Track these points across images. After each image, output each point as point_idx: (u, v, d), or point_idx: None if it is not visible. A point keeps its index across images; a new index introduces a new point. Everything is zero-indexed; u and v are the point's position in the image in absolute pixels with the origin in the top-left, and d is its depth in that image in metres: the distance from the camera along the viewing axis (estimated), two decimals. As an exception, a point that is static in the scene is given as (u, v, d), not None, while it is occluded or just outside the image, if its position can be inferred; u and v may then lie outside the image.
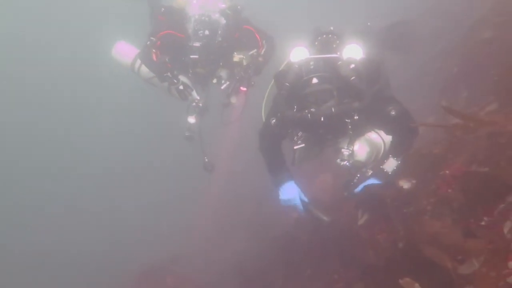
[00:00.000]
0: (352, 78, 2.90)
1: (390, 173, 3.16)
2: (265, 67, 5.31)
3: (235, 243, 6.69)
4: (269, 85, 3.87)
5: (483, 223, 2.72)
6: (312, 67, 2.98)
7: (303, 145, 3.27)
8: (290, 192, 3.25)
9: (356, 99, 2.93)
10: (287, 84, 3.04)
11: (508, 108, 3.26)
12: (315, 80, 2.95)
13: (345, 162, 3.14)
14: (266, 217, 6.89)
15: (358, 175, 3.20)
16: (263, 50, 5.19)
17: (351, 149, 3.14)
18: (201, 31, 5.00)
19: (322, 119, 2.94)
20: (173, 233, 7.75)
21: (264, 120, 3.55)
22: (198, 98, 5.21)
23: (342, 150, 3.15)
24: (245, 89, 5.37)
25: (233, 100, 5.38)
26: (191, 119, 5.21)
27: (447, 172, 3.35)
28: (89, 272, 7.81)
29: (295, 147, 3.27)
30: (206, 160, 5.36)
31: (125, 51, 5.45)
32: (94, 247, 8.59)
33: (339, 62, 3.00)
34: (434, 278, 2.58)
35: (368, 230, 3.45)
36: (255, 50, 5.20)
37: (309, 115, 2.93)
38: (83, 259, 8.34)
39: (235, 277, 5.54)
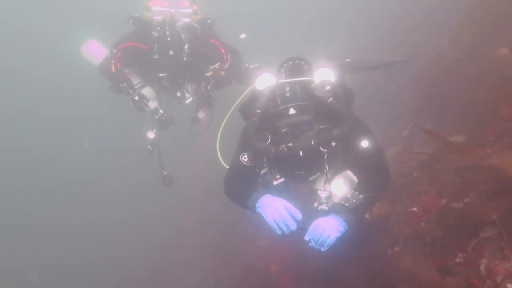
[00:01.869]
0: (330, 99, 2.65)
1: (350, 207, 2.59)
2: (228, 83, 5.23)
3: (202, 271, 6.51)
4: (223, 121, 3.73)
5: (458, 259, 2.74)
6: (288, 94, 2.65)
7: (282, 179, 2.89)
8: (273, 204, 2.56)
9: (335, 123, 2.70)
10: (259, 111, 2.73)
11: (476, 140, 3.33)
12: (292, 111, 2.63)
13: (323, 206, 2.72)
14: (231, 245, 6.77)
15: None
16: (227, 64, 5.11)
17: (328, 190, 2.78)
18: (165, 51, 4.92)
19: (301, 153, 2.70)
20: (140, 260, 7.49)
21: (232, 158, 3.07)
22: (162, 111, 5.15)
23: (318, 192, 2.79)
24: (206, 108, 5.32)
25: (200, 115, 5.33)
26: (150, 134, 5.12)
27: (416, 206, 3.41)
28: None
29: (275, 183, 2.87)
30: (165, 173, 5.25)
31: (94, 52, 5.30)
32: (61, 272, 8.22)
33: (313, 85, 2.73)
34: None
35: (341, 264, 3.41)
36: (218, 64, 5.12)
37: (286, 149, 2.66)
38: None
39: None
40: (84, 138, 12.74)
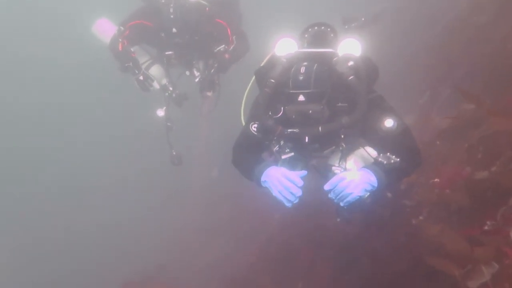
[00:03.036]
0: (350, 77, 2.45)
1: (386, 166, 2.39)
2: (232, 66, 5.12)
3: (216, 249, 6.53)
4: (248, 86, 3.33)
5: (486, 227, 2.69)
6: (301, 78, 2.43)
7: (292, 154, 2.70)
8: (274, 176, 2.43)
9: (354, 103, 2.50)
10: (273, 80, 2.56)
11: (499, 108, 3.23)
12: (301, 98, 2.42)
13: None
14: (246, 221, 6.78)
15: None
16: (232, 46, 4.98)
17: (343, 166, 2.59)
18: (169, 29, 4.81)
19: (306, 139, 2.57)
20: (153, 243, 7.53)
21: (243, 126, 2.97)
22: (171, 88, 5.06)
23: (333, 168, 2.59)
24: (209, 93, 5.23)
25: (209, 93, 5.25)
26: (160, 112, 5.05)
27: (439, 177, 3.34)
28: (71, 281, 7.52)
29: (283, 157, 2.70)
30: (174, 153, 5.20)
31: (104, 30, 5.22)
32: (73, 260, 8.30)
33: (335, 58, 2.55)
34: (442, 288, 2.52)
35: (363, 236, 3.38)
36: (223, 46, 5.00)
37: (291, 134, 2.52)
38: (64, 273, 8.05)
39: (223, 285, 5.41)
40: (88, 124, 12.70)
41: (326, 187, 2.33)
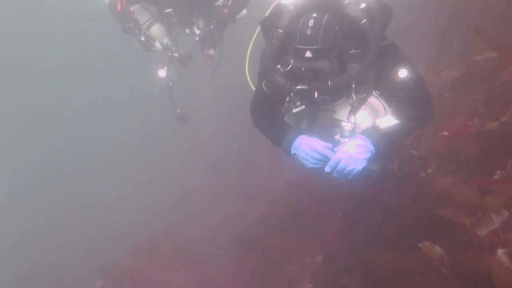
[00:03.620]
0: (363, 21, 2.33)
1: (383, 130, 2.40)
2: (230, 22, 4.94)
3: (226, 209, 6.63)
4: (251, 39, 3.21)
5: (496, 177, 2.70)
6: (309, 32, 2.31)
7: (302, 107, 2.63)
8: (309, 145, 2.40)
9: (363, 51, 2.39)
10: (281, 31, 2.44)
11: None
12: (309, 54, 2.32)
13: (346, 139, 2.45)
14: (253, 180, 6.84)
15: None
16: (231, 1, 4.84)
17: (352, 121, 2.50)
18: None
19: (316, 95, 2.47)
20: (162, 205, 7.66)
21: (254, 86, 2.91)
22: (174, 48, 4.96)
23: (342, 123, 2.50)
24: (212, 52, 5.12)
25: (211, 51, 5.15)
26: (162, 72, 4.97)
27: (448, 128, 3.32)
28: (84, 245, 7.73)
29: (294, 111, 2.64)
30: (178, 111, 5.15)
31: None
32: (87, 220, 8.50)
33: (346, 1, 2.45)
34: (452, 237, 2.55)
35: (372, 191, 3.39)
36: (222, 0, 4.85)
37: (299, 90, 2.45)
38: (77, 231, 8.27)
39: (232, 244, 5.51)
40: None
41: (327, 169, 2.35)
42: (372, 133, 2.37)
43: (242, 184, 7.01)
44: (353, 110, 2.53)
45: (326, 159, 2.35)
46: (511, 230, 2.31)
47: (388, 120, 2.41)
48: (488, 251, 2.24)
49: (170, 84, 4.97)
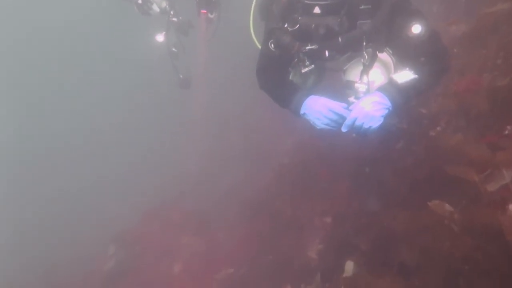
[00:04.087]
0: None
1: (400, 85, 2.27)
2: None
3: (233, 174, 6.65)
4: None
5: (506, 132, 2.67)
6: None
7: (312, 66, 2.55)
8: (324, 105, 2.30)
9: (374, 6, 2.30)
10: None
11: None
12: (317, 10, 2.23)
13: None
14: (259, 145, 6.84)
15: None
16: None
17: (366, 82, 2.40)
18: None
19: (326, 54, 2.40)
20: (171, 173, 7.71)
21: (260, 46, 2.78)
22: (172, 12, 4.84)
23: (356, 85, 2.40)
24: (205, 11, 4.98)
25: (211, 14, 5.02)
26: (160, 37, 4.86)
27: (457, 85, 3.26)
28: (95, 212, 7.90)
29: (303, 71, 2.56)
30: (181, 76, 5.08)
31: None
32: (99, 189, 8.64)
33: None
34: (462, 195, 2.54)
35: (382, 150, 3.38)
36: None
37: (309, 50, 2.36)
38: (89, 200, 8.44)
39: (241, 208, 5.56)
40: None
41: (343, 129, 2.25)
42: (388, 89, 2.26)
43: (248, 149, 7.01)
44: (366, 70, 2.42)
45: (340, 119, 2.25)
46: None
47: (405, 75, 2.29)
48: (499, 207, 2.24)
49: (174, 50, 4.88)
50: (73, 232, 7.77)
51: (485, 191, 2.46)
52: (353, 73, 2.57)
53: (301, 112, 2.39)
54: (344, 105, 2.29)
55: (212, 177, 6.93)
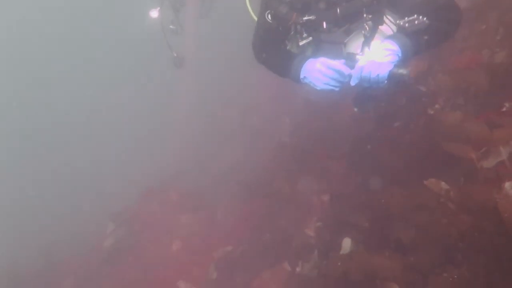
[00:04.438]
0: None
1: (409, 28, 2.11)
2: None
3: (230, 155, 6.65)
4: None
5: (504, 109, 2.66)
6: None
7: (310, 38, 2.44)
8: (322, 63, 2.18)
9: None
10: None
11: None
12: None
13: None
14: (256, 124, 6.82)
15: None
16: None
17: (367, 54, 2.28)
18: None
19: (324, 25, 2.32)
20: (169, 153, 7.72)
21: (256, 18, 2.70)
22: None
23: (357, 57, 2.29)
24: None
25: None
26: (154, 13, 4.75)
27: (456, 62, 3.23)
28: (95, 191, 7.95)
29: (301, 43, 2.45)
30: (175, 55, 5.00)
31: None
32: (98, 168, 8.69)
33: None
34: (459, 173, 2.54)
35: (381, 128, 3.36)
36: None
37: (306, 22, 2.29)
38: (88, 179, 8.48)
39: (239, 188, 5.57)
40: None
41: (352, 82, 2.13)
42: (397, 35, 2.14)
43: (246, 128, 6.99)
44: (367, 41, 2.31)
45: (340, 77, 2.14)
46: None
47: (414, 21, 2.11)
48: (495, 185, 2.25)
49: (172, 27, 4.78)
50: (72, 209, 7.84)
51: (481, 168, 2.47)
52: (354, 45, 2.47)
53: (301, 76, 2.29)
54: (342, 60, 2.18)
55: (210, 157, 6.93)
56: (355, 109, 2.28)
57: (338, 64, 2.15)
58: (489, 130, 2.47)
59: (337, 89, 2.18)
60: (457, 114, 2.80)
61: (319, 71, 2.16)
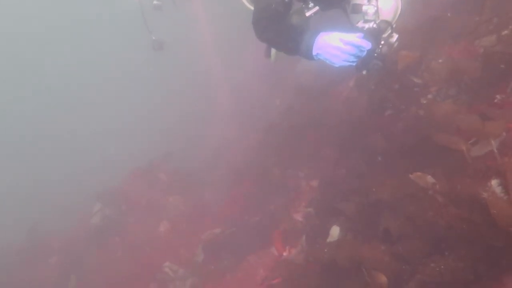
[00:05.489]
0: None
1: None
2: None
3: (221, 136, 6.61)
4: None
5: (496, 100, 2.66)
6: None
7: (316, 8, 2.35)
8: (339, 39, 2.06)
9: None
10: None
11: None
12: None
13: (371, 24, 2.17)
14: (247, 107, 6.77)
15: (382, 42, 2.23)
16: None
17: (374, 3, 2.20)
18: None
19: None
20: (159, 134, 7.66)
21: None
22: None
23: (363, 7, 2.19)
24: None
25: None
26: None
27: (449, 52, 3.21)
28: (82, 170, 7.89)
29: (308, 14, 2.36)
30: (154, 38, 4.87)
31: None
32: (86, 146, 8.62)
33: None
34: (448, 164, 2.55)
35: (372, 116, 3.35)
36: None
37: None
38: (76, 157, 8.43)
39: (228, 170, 5.57)
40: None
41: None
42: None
43: (235, 110, 6.94)
44: None
45: (359, 52, 2.04)
46: (508, 154, 2.31)
47: None
48: (483, 180, 2.24)
49: (157, 2, 4.63)
50: (58, 187, 7.77)
51: (471, 161, 2.48)
52: None
53: (314, 53, 2.16)
54: (360, 34, 2.08)
55: (199, 138, 6.89)
56: (364, 72, 2.20)
57: (357, 39, 2.03)
58: (481, 121, 2.46)
59: (355, 64, 2.09)
60: (449, 104, 2.79)
61: (337, 48, 2.05)
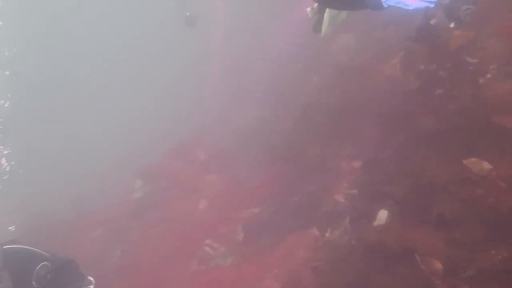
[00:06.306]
0: None
1: None
2: None
3: (252, 113, 6.52)
4: None
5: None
6: None
7: None
8: None
9: None
10: None
11: None
12: None
13: None
14: (283, 83, 6.63)
15: None
16: None
17: None
18: None
19: None
20: (193, 111, 7.70)
21: None
22: None
23: None
24: None
25: None
26: None
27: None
28: (123, 148, 8.11)
29: None
30: (188, 14, 4.83)
31: None
32: (127, 126, 8.81)
33: None
34: (509, 147, 2.42)
35: (423, 93, 3.21)
36: None
37: None
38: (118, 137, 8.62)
39: (264, 149, 5.51)
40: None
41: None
42: None
43: (271, 87, 6.81)
44: None
45: None
46: None
47: None
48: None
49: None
50: (101, 164, 7.97)
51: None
52: None
53: (384, 5, 2.13)
54: None
55: (235, 118, 6.83)
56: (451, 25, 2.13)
57: None
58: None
59: (432, 5, 2.04)
60: (508, 84, 2.64)
61: None
